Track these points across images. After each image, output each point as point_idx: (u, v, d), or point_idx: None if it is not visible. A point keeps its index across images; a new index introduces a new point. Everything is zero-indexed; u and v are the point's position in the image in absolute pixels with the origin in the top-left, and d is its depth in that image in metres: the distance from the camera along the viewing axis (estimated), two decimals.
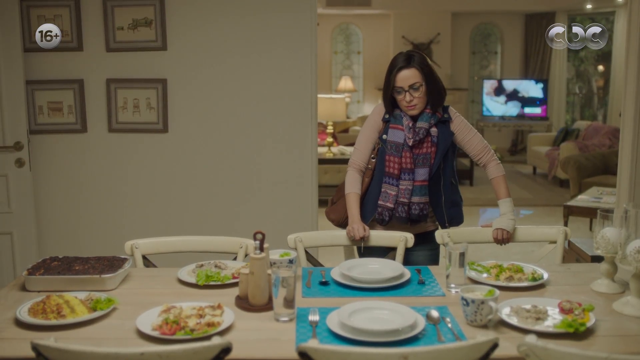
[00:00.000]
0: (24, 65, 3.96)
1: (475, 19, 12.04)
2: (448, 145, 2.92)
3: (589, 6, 10.20)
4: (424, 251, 2.99)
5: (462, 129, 2.96)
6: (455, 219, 2.99)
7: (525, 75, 11.88)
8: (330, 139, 8.29)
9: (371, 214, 2.99)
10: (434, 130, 2.90)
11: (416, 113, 2.89)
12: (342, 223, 3.10)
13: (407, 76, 2.84)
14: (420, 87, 2.84)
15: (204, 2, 4.09)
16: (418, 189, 2.89)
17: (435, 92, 2.88)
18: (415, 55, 2.89)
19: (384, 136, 2.94)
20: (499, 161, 3.01)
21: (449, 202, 2.97)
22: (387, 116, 2.97)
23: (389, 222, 2.95)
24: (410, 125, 2.89)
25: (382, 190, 2.95)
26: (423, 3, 11.25)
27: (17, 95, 3.95)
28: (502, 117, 11.63)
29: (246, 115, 4.16)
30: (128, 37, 4.10)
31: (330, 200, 3.23)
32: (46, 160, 4.22)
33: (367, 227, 2.88)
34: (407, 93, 2.84)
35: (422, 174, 2.89)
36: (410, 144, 2.88)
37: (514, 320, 1.99)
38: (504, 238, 2.89)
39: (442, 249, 2.92)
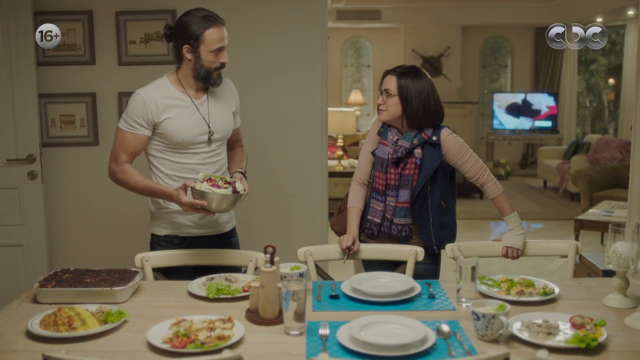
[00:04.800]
0: (37, 79, 4.01)
1: (486, 33, 12.05)
2: (434, 169, 2.83)
3: (599, 19, 10.18)
4: (422, 265, 2.89)
5: (456, 152, 2.86)
6: (444, 242, 2.93)
7: (536, 89, 11.86)
8: (340, 152, 8.31)
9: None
10: (418, 151, 2.83)
11: (384, 119, 2.89)
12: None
13: (386, 81, 2.89)
14: (392, 96, 2.83)
15: None
16: (399, 210, 2.85)
17: (411, 112, 2.82)
18: (407, 70, 2.86)
19: (375, 151, 2.95)
20: (496, 180, 2.92)
21: (437, 225, 2.90)
22: (381, 130, 2.96)
23: (377, 237, 2.94)
24: (395, 140, 2.87)
25: (370, 205, 2.95)
26: (433, 17, 11.28)
27: (30, 109, 3.99)
28: (513, 131, 11.62)
29: (257, 128, 4.18)
30: (140, 51, 4.14)
31: (337, 209, 3.23)
32: (58, 173, 4.25)
33: (357, 242, 2.86)
34: (381, 96, 2.89)
35: (404, 195, 2.85)
36: (390, 160, 2.86)
37: (525, 335, 1.98)
38: (514, 256, 2.88)
39: (452, 263, 2.90)
